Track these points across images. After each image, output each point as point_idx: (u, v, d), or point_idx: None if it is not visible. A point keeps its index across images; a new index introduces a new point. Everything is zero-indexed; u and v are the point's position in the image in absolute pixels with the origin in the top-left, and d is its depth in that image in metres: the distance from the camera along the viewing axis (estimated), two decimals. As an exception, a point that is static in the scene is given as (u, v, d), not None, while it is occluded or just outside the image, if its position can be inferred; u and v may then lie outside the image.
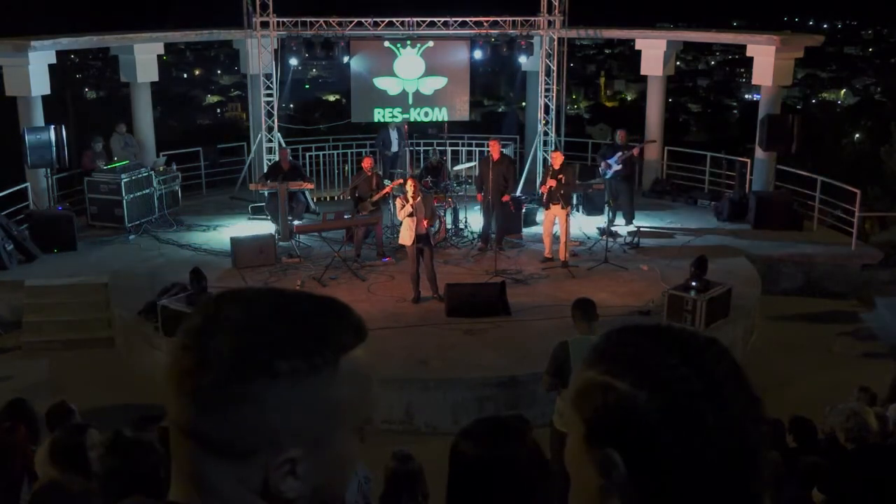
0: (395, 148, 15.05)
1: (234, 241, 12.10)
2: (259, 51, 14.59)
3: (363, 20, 14.73)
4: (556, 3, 14.98)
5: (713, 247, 12.21)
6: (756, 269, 11.76)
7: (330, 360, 0.97)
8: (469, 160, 16.61)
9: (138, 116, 15.13)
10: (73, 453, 3.65)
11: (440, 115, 15.34)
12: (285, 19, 14.61)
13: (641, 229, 13.13)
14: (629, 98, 55.66)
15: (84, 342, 10.60)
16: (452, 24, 14.84)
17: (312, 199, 14.48)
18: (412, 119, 15.57)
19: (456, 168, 15.58)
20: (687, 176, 16.66)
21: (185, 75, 58.05)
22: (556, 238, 11.79)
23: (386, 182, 12.95)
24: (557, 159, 11.61)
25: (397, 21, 14.72)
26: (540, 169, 15.57)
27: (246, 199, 14.88)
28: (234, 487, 0.96)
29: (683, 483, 0.97)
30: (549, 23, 15.13)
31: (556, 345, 6.25)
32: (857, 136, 35.88)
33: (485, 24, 14.92)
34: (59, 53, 13.84)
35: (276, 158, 13.82)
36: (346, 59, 14.85)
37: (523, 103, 18.69)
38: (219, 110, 51.04)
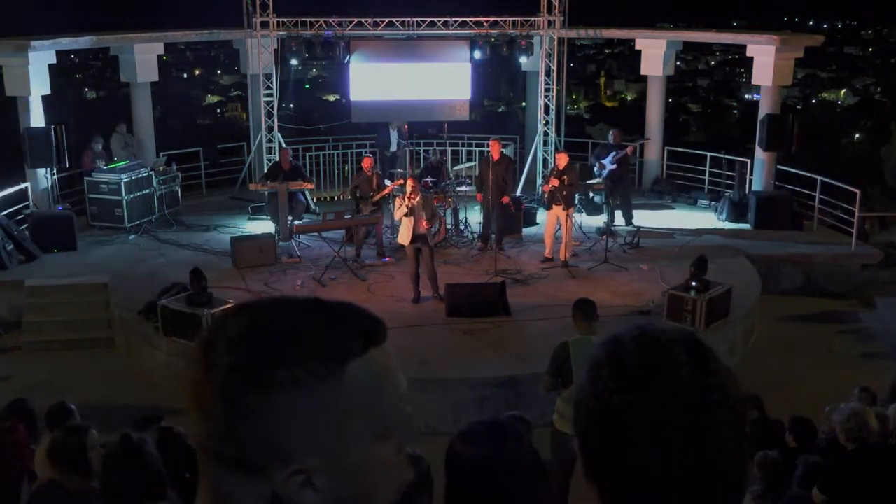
0: (393, 148, 15.05)
1: (234, 241, 12.11)
2: (259, 51, 14.59)
3: (363, 20, 14.73)
4: (556, 3, 14.98)
5: (713, 247, 12.21)
6: (756, 269, 11.75)
7: (333, 368, 0.94)
8: (469, 160, 16.62)
9: (138, 116, 15.12)
10: (74, 454, 3.66)
11: (440, 115, 15.33)
12: (285, 19, 14.61)
13: (641, 229, 13.12)
14: (629, 98, 55.65)
15: (84, 342, 10.60)
16: (452, 24, 14.84)
17: (312, 199, 14.48)
18: (412, 119, 15.58)
19: (455, 168, 15.58)
20: (687, 176, 16.66)
21: (185, 75, 58.03)
22: (557, 238, 11.80)
23: (386, 182, 12.95)
24: (562, 160, 11.61)
25: (397, 21, 14.72)
26: (540, 169, 15.59)
27: (246, 199, 14.88)
28: (253, 502, 0.94)
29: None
30: (549, 23, 15.13)
31: (556, 345, 6.25)
32: (857, 136, 35.90)
33: (485, 24, 14.92)
34: (59, 53, 13.82)
35: (277, 158, 13.82)
36: (346, 58, 14.84)
37: (523, 103, 18.69)
38: (219, 110, 51.03)
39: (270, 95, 14.81)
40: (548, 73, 15.30)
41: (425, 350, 9.15)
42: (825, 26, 66.62)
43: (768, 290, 11.46)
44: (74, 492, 3.57)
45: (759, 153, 14.47)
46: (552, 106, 15.41)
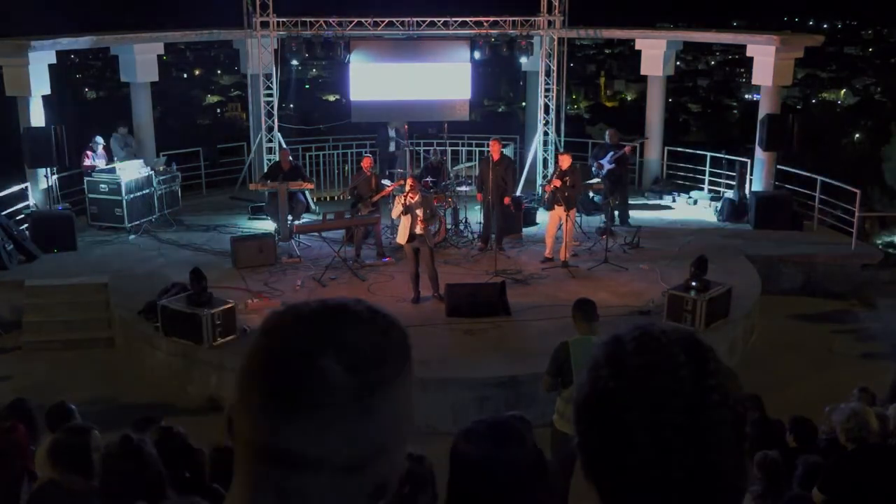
0: (391, 148, 15.04)
1: (234, 241, 12.11)
2: (259, 51, 14.59)
3: (363, 20, 14.72)
4: (556, 3, 14.99)
5: (713, 247, 12.20)
6: (756, 269, 11.75)
7: (408, 366, 1.03)
8: (469, 160, 16.62)
9: (138, 116, 15.13)
10: (77, 454, 3.65)
11: (440, 115, 15.33)
12: (285, 19, 14.61)
13: (641, 229, 13.13)
14: (629, 98, 55.65)
15: (84, 342, 10.60)
16: (452, 24, 14.84)
17: (312, 199, 14.48)
18: (412, 119, 15.58)
19: (455, 168, 15.58)
20: (687, 176, 16.66)
21: (185, 75, 58.04)
22: (557, 238, 11.80)
23: (386, 182, 12.96)
24: (565, 161, 11.60)
25: (397, 21, 14.72)
26: (539, 169, 15.59)
27: (246, 199, 14.88)
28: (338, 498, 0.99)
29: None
30: (549, 23, 15.13)
31: (556, 345, 6.25)
32: (857, 136, 35.90)
33: (485, 24, 14.92)
34: (59, 53, 13.82)
35: (277, 158, 13.82)
36: (346, 58, 14.84)
37: (523, 103, 18.69)
38: (219, 110, 51.03)
39: (270, 95, 14.81)
40: (548, 73, 15.30)
41: (425, 350, 9.12)
42: (825, 26, 66.62)
43: (768, 290, 11.46)
44: (75, 492, 3.57)
45: (759, 153, 14.47)
46: (552, 106, 15.41)
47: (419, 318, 9.94)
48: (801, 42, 14.77)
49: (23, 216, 13.04)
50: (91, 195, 13.45)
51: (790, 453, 5.37)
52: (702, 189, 16.05)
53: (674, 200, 15.64)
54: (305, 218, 13.56)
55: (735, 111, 50.43)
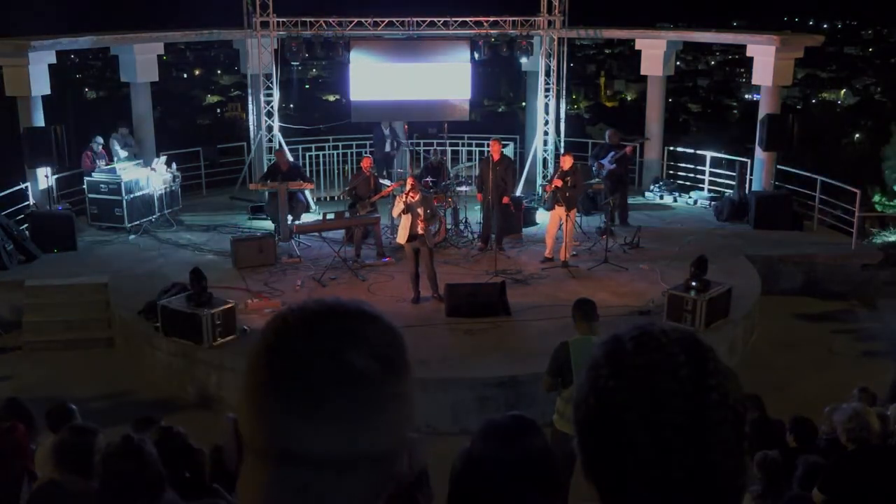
0: (387, 148, 15.04)
1: (234, 241, 12.11)
2: (259, 51, 14.59)
3: (363, 20, 14.72)
4: (556, 3, 14.98)
5: (713, 247, 12.20)
6: (756, 269, 11.75)
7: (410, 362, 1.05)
8: (469, 160, 16.62)
9: (138, 116, 15.13)
10: (80, 455, 3.65)
11: (440, 115, 15.33)
12: (285, 19, 14.61)
13: (641, 229, 13.12)
14: (629, 98, 55.64)
15: (84, 342, 10.60)
16: (452, 24, 14.84)
17: (312, 199, 14.48)
18: (412, 119, 15.58)
19: (455, 168, 15.57)
20: (687, 176, 16.66)
21: (185, 75, 58.04)
22: (557, 238, 11.80)
23: (385, 182, 12.96)
24: (567, 162, 11.60)
25: (397, 21, 14.72)
26: (539, 169, 15.60)
27: (246, 199, 14.88)
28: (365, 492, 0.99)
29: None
30: (549, 23, 15.13)
31: (556, 345, 6.25)
32: (857, 136, 35.90)
33: (485, 24, 14.92)
34: (59, 53, 13.83)
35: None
36: (346, 58, 14.83)
37: (523, 103, 18.69)
38: (219, 110, 51.01)
39: (270, 95, 14.81)
40: (548, 73, 15.30)
41: (425, 350, 9.13)
42: (825, 26, 66.63)
43: (768, 290, 11.46)
44: (75, 492, 3.57)
45: (759, 153, 14.47)
46: (552, 106, 15.42)
47: (419, 318, 9.94)
48: (801, 42, 14.77)
49: (23, 216, 13.04)
50: (91, 195, 13.45)
51: (790, 453, 5.36)
52: (702, 189, 16.05)
53: (674, 200, 15.65)
54: (305, 218, 13.56)
55: (735, 111, 50.43)
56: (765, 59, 14.28)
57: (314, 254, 12.29)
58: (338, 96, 42.18)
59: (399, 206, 10.11)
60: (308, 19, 14.57)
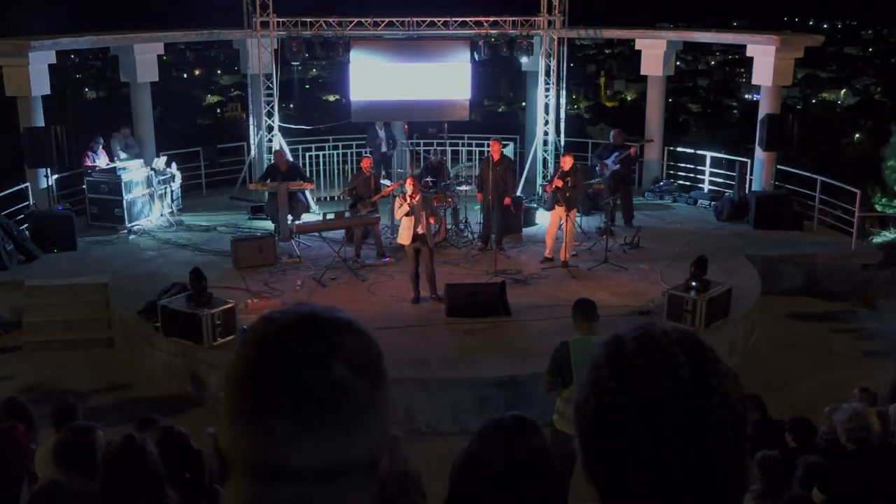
0: (384, 148, 15.03)
1: (234, 241, 12.11)
2: (259, 51, 14.59)
3: (363, 20, 14.72)
4: (556, 3, 14.98)
5: (713, 247, 12.20)
6: (756, 269, 11.75)
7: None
8: (469, 160, 16.61)
9: (138, 116, 15.13)
10: (81, 454, 3.65)
11: (440, 115, 15.33)
12: (285, 19, 14.61)
13: (641, 229, 13.13)
14: (629, 98, 55.65)
15: (84, 342, 10.60)
16: (452, 24, 14.84)
17: (312, 200, 14.48)
18: (412, 119, 15.57)
19: (455, 168, 15.57)
20: (687, 176, 16.66)
21: (185, 75, 58.04)
22: (557, 238, 11.80)
23: (385, 182, 12.95)
24: (567, 162, 11.60)
25: (397, 21, 14.72)
26: (539, 169, 15.60)
27: (246, 199, 14.88)
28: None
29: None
30: (549, 23, 15.13)
31: (556, 345, 6.25)
32: (857, 136, 35.91)
33: (485, 24, 14.91)
34: (59, 53, 13.82)
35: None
36: (346, 58, 14.82)
37: (523, 103, 18.69)
38: (219, 110, 51.01)
39: (270, 95, 14.81)
40: (548, 73, 15.30)
41: (425, 350, 9.15)
42: (825, 26, 66.62)
43: (768, 290, 11.46)
44: (76, 492, 3.57)
45: (759, 153, 14.47)
46: (552, 106, 15.42)
47: (419, 318, 9.95)
48: (801, 42, 14.77)
49: (23, 216, 13.04)
50: (91, 195, 13.46)
51: (790, 453, 5.36)
52: (702, 189, 16.05)
53: (674, 200, 15.65)
54: (304, 218, 13.57)
55: (735, 111, 50.44)
56: (765, 59, 14.28)
57: (314, 254, 12.29)
58: (338, 96, 42.19)
59: (404, 208, 10.08)
60: (308, 19, 14.57)
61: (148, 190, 13.77)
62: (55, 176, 13.28)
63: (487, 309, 9.96)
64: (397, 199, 10.59)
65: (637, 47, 16.18)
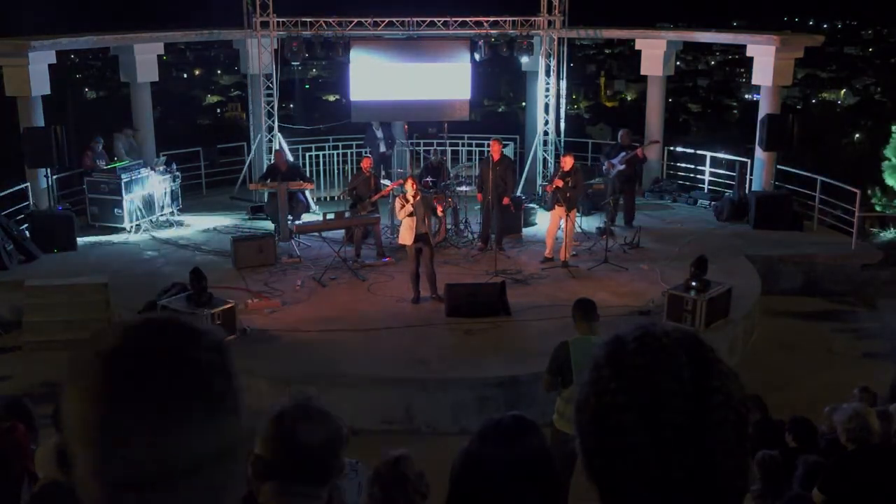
0: (382, 148, 15.02)
1: (234, 241, 12.11)
2: (259, 51, 14.59)
3: (363, 20, 14.73)
4: (556, 3, 14.99)
5: (713, 247, 12.20)
6: (756, 269, 11.75)
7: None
8: (469, 160, 16.62)
9: (138, 116, 15.13)
10: None
11: (440, 115, 15.33)
12: (285, 19, 14.61)
13: (642, 229, 13.13)
14: (629, 98, 55.66)
15: (84, 342, 10.57)
16: (452, 24, 14.84)
17: (312, 200, 14.48)
18: (412, 119, 15.57)
19: (455, 168, 15.57)
20: (687, 176, 16.66)
21: (185, 75, 58.02)
22: (557, 239, 11.80)
23: (385, 182, 12.95)
24: (568, 162, 11.60)
25: (397, 21, 14.72)
26: (540, 169, 15.60)
27: (246, 199, 14.88)
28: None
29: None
30: (549, 23, 15.13)
31: (556, 345, 6.25)
32: (857, 136, 35.91)
33: (485, 24, 14.92)
34: (59, 53, 13.82)
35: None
36: (346, 58, 14.82)
37: (523, 103, 18.68)
38: (219, 110, 51.02)
39: (270, 95, 14.81)
40: (548, 73, 15.30)
41: (425, 350, 9.15)
42: (825, 26, 66.63)
43: (768, 290, 11.46)
44: (76, 492, 3.56)
45: (759, 153, 14.47)
46: (552, 106, 15.42)
47: (419, 318, 9.95)
48: (801, 42, 14.77)
49: (23, 216, 13.04)
50: (91, 195, 13.46)
51: (790, 453, 5.37)
52: (702, 189, 16.05)
53: (674, 200, 15.65)
54: (304, 218, 13.56)
55: (735, 111, 50.45)
56: (765, 59, 14.28)
57: (314, 254, 12.29)
58: (338, 96, 42.19)
59: (406, 208, 10.06)
60: (308, 19, 14.57)
61: (148, 190, 13.76)
62: (55, 176, 13.28)
63: (487, 309, 9.96)
64: (398, 199, 10.58)
65: (637, 47, 16.18)
